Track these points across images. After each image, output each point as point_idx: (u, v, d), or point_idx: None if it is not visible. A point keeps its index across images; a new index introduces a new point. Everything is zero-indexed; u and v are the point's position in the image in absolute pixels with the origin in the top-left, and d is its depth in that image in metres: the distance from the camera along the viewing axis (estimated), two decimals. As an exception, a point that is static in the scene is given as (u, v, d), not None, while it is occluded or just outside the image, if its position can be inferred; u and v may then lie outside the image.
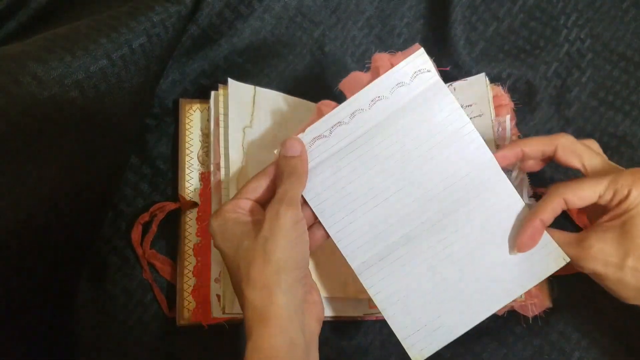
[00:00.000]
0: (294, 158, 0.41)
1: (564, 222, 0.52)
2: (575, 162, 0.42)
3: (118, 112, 0.45)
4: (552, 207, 0.40)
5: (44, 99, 0.38)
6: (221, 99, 0.51)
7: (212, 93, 0.51)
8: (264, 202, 0.41)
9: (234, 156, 0.49)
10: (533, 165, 0.45)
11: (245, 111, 0.51)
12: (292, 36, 0.57)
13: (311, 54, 0.58)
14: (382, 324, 0.52)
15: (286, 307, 0.35)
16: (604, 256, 0.39)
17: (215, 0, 0.54)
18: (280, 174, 0.41)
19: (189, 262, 0.50)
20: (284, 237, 0.36)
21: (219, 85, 0.51)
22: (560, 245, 0.41)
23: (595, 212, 0.42)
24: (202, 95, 0.55)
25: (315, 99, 0.58)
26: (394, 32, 0.58)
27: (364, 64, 0.59)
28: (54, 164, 0.42)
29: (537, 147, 0.42)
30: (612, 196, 0.39)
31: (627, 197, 0.38)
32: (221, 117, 0.50)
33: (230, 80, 0.51)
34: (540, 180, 0.52)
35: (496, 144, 0.51)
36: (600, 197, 0.40)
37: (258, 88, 0.52)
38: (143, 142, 0.54)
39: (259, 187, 0.41)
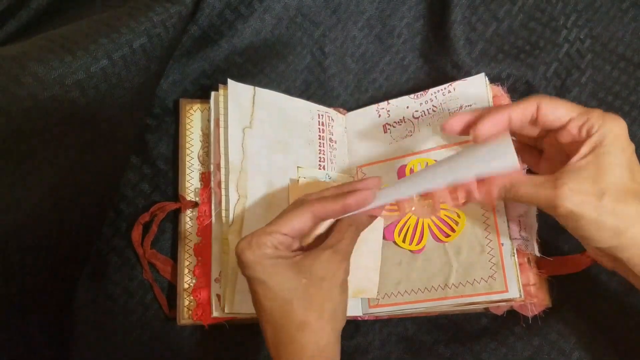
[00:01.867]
0: (369, 217, 0.42)
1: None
2: (561, 111, 0.39)
3: (118, 112, 0.45)
4: (524, 106, 0.39)
5: (45, 99, 0.38)
6: (221, 99, 0.51)
7: (212, 93, 0.51)
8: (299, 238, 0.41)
9: (234, 157, 0.49)
10: (529, 131, 0.42)
11: (245, 112, 0.51)
12: (292, 36, 0.57)
13: (311, 55, 0.58)
14: (382, 323, 0.52)
15: (336, 349, 0.38)
16: (580, 195, 0.37)
17: (215, 0, 0.54)
18: (343, 221, 0.40)
19: (189, 262, 0.50)
20: (338, 288, 0.38)
21: (219, 85, 0.51)
22: (533, 187, 0.39)
23: (561, 156, 0.41)
24: (202, 95, 0.55)
25: (315, 99, 0.58)
26: (394, 32, 0.58)
27: (364, 64, 0.59)
28: (54, 164, 0.42)
29: (521, 111, 0.40)
30: (583, 124, 0.38)
31: (597, 130, 0.38)
32: (221, 118, 0.50)
33: (229, 80, 0.51)
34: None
35: None
36: (571, 120, 0.39)
37: (258, 88, 0.52)
38: (143, 142, 0.54)
39: (301, 226, 0.39)
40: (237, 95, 0.51)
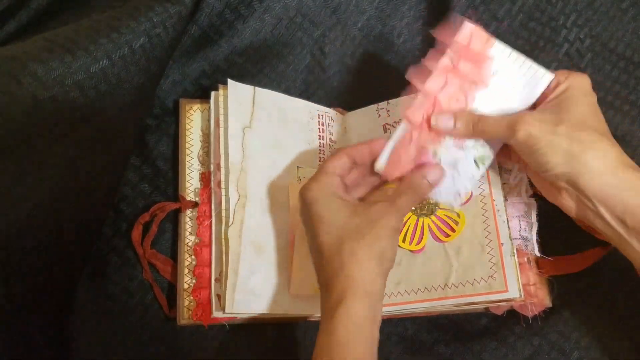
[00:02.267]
0: (431, 186, 0.45)
1: (564, 223, 0.52)
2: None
3: (118, 113, 0.45)
4: None
5: (45, 99, 0.38)
6: (221, 99, 0.51)
7: (213, 93, 0.51)
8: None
9: (234, 157, 0.49)
10: None
11: (245, 112, 0.51)
12: (292, 36, 0.57)
13: (311, 55, 0.58)
14: (382, 323, 0.52)
15: (381, 290, 0.41)
16: (539, 122, 0.41)
17: (215, 0, 0.54)
18: (410, 183, 0.44)
19: (189, 262, 0.50)
20: (389, 231, 0.41)
21: (219, 85, 0.51)
22: (498, 119, 0.43)
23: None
24: (202, 95, 0.55)
25: (315, 99, 0.58)
26: (394, 32, 0.58)
27: (364, 64, 0.59)
28: (53, 163, 0.42)
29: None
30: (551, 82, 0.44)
31: (563, 83, 0.43)
32: (221, 117, 0.50)
33: (229, 80, 0.51)
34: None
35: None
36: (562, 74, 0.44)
37: (258, 88, 0.52)
38: (143, 143, 0.54)
39: (341, 165, 0.44)
40: (237, 95, 0.51)
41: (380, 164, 0.45)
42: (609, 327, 0.49)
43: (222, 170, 0.49)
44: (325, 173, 0.44)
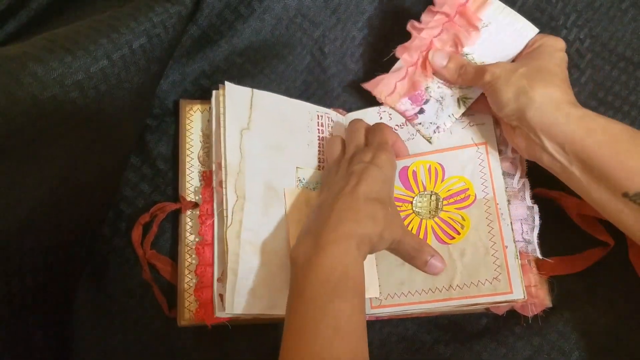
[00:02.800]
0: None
1: (565, 224, 0.52)
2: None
3: (118, 113, 0.45)
4: None
5: (45, 99, 0.38)
6: (221, 99, 0.51)
7: (214, 92, 0.51)
8: None
9: (231, 159, 0.49)
10: None
11: (243, 113, 0.51)
12: (292, 37, 0.57)
13: (311, 55, 0.58)
14: (382, 323, 0.52)
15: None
16: (504, 67, 0.48)
17: (215, 0, 0.54)
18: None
19: (189, 262, 0.50)
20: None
21: (219, 86, 0.51)
22: (476, 67, 0.50)
23: None
24: (202, 95, 0.55)
25: (315, 99, 0.58)
26: (394, 32, 0.58)
27: (364, 64, 0.59)
28: (54, 164, 0.42)
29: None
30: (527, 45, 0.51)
31: (536, 42, 0.50)
32: (221, 118, 0.50)
33: (227, 83, 0.51)
34: (540, 181, 0.52)
35: (499, 149, 0.51)
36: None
37: (256, 90, 0.52)
38: (143, 143, 0.54)
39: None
40: (234, 97, 0.51)
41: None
42: (609, 327, 0.49)
43: (223, 170, 0.49)
44: (389, 151, 0.49)
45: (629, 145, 0.43)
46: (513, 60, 0.51)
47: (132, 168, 0.54)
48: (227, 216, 0.48)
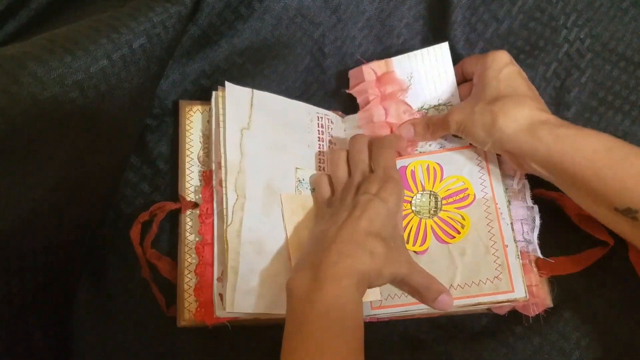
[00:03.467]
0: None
1: (564, 224, 0.52)
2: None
3: (118, 113, 0.45)
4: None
5: (45, 99, 0.38)
6: (221, 99, 0.51)
7: (214, 93, 0.51)
8: None
9: (232, 157, 0.49)
10: None
11: (243, 113, 0.51)
12: (292, 37, 0.57)
13: (311, 55, 0.58)
14: (382, 323, 0.52)
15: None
16: (462, 108, 0.49)
17: (215, 0, 0.54)
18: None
19: (189, 262, 0.50)
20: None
21: (219, 87, 0.51)
22: (433, 119, 0.52)
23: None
24: (202, 95, 0.55)
25: (315, 99, 0.58)
26: (394, 32, 0.58)
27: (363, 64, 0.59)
28: (54, 164, 0.42)
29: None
30: (472, 65, 0.52)
31: (480, 64, 0.50)
32: (221, 118, 0.50)
33: (227, 83, 0.51)
34: (540, 181, 0.52)
35: None
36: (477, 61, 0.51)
37: (256, 91, 0.52)
38: (143, 142, 0.54)
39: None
40: (234, 97, 0.51)
41: None
42: (610, 327, 0.49)
43: (223, 170, 0.49)
44: (397, 182, 0.48)
45: (608, 161, 0.43)
46: (463, 77, 0.54)
47: (132, 168, 0.54)
48: (227, 215, 0.48)
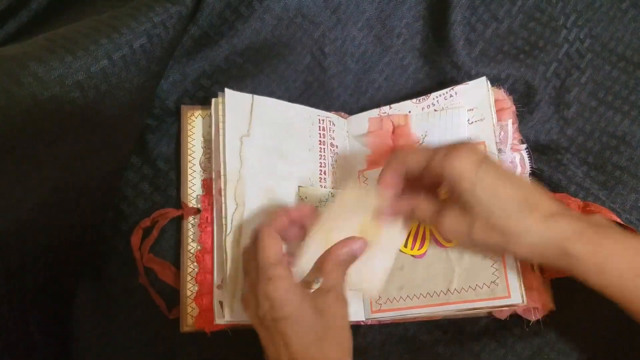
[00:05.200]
0: (354, 258, 0.45)
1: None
2: (417, 156, 0.43)
3: (118, 113, 0.45)
4: (393, 170, 0.44)
5: (45, 99, 0.38)
6: (220, 107, 0.51)
7: (213, 100, 0.51)
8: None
9: (231, 166, 0.49)
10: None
11: (243, 120, 0.51)
12: (292, 37, 0.57)
13: (311, 55, 0.58)
14: (382, 325, 0.52)
15: None
16: (455, 230, 0.42)
17: (215, 0, 0.54)
18: (328, 262, 0.43)
19: (191, 268, 0.50)
20: (348, 324, 0.42)
21: (219, 93, 0.51)
22: (426, 217, 0.44)
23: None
24: (202, 95, 0.55)
25: (315, 99, 0.58)
26: (394, 32, 0.58)
27: (364, 64, 0.59)
28: (54, 164, 0.42)
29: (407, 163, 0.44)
30: (431, 168, 0.42)
31: (444, 174, 0.41)
32: (221, 126, 0.50)
33: (227, 90, 0.51)
34: (543, 183, 0.52)
35: (498, 148, 0.51)
36: (426, 164, 0.42)
37: (256, 97, 0.52)
38: (143, 143, 0.54)
39: (279, 247, 0.42)
40: (234, 104, 0.51)
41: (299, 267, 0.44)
42: (609, 328, 0.49)
43: (222, 178, 0.49)
44: (278, 265, 0.41)
45: (637, 290, 0.39)
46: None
47: (132, 168, 0.54)
48: (226, 224, 0.48)
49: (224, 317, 0.47)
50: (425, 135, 0.53)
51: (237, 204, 0.48)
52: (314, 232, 0.44)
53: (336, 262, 0.43)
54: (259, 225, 0.43)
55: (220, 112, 0.50)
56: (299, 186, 0.51)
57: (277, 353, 0.40)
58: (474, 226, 0.41)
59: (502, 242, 0.41)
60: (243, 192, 0.49)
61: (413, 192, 0.46)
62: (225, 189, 0.48)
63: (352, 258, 0.45)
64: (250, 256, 0.43)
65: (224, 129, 0.50)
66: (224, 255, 0.47)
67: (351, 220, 0.45)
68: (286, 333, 0.39)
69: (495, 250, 0.44)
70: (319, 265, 0.43)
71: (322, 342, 0.39)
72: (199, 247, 0.50)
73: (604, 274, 0.39)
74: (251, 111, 0.51)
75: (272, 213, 0.44)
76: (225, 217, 0.48)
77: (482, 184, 0.40)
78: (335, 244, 0.44)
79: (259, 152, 0.51)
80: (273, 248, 0.41)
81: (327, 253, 0.44)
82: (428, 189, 0.45)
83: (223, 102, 0.51)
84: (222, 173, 0.49)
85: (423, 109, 0.54)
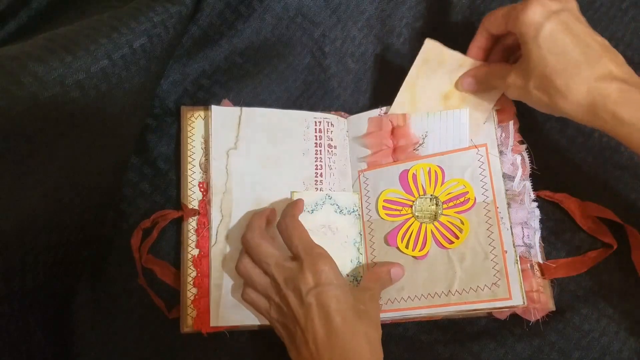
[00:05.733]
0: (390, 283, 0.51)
1: (567, 225, 0.52)
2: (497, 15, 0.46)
3: (119, 112, 0.45)
4: (480, 36, 0.49)
5: (45, 99, 0.38)
6: (210, 121, 0.52)
7: (209, 109, 0.52)
8: None
9: (216, 179, 0.51)
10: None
11: (229, 134, 0.52)
12: (292, 37, 0.57)
13: (311, 54, 0.58)
14: (382, 324, 0.52)
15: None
16: (515, 84, 0.45)
17: (215, 0, 0.54)
18: (377, 276, 0.49)
19: (190, 270, 0.51)
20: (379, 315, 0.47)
21: (211, 106, 0.52)
22: (493, 76, 0.48)
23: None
24: (203, 95, 0.55)
25: (315, 99, 0.58)
26: (394, 32, 0.58)
27: (364, 64, 0.59)
28: (54, 164, 0.42)
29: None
30: (507, 23, 0.45)
31: (516, 27, 0.43)
32: (210, 139, 0.52)
33: (213, 107, 0.52)
34: (542, 184, 0.52)
35: (499, 150, 0.51)
36: (506, 21, 0.45)
37: (245, 108, 0.53)
38: (143, 142, 0.54)
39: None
40: (220, 120, 0.52)
41: None
42: (609, 328, 0.49)
43: (209, 190, 0.51)
44: (317, 247, 0.44)
45: None
46: (490, 35, 0.49)
47: (132, 168, 0.54)
48: (211, 235, 0.49)
49: (216, 322, 0.49)
50: (426, 136, 0.53)
51: (222, 216, 0.50)
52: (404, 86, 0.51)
53: (376, 278, 0.48)
54: (279, 218, 0.46)
55: (210, 126, 0.52)
56: (292, 191, 0.51)
57: (313, 332, 0.41)
58: (530, 79, 0.43)
59: (552, 97, 0.42)
60: (230, 203, 0.50)
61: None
62: (211, 201, 0.50)
63: (390, 282, 0.49)
64: (263, 253, 0.44)
65: (209, 145, 0.51)
66: (209, 264, 0.49)
67: (433, 82, 0.52)
68: (330, 304, 0.41)
69: (549, 107, 0.43)
70: (364, 274, 0.49)
71: (363, 322, 0.42)
72: (196, 252, 0.51)
73: None
74: (239, 124, 0.52)
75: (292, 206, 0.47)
76: (211, 229, 0.50)
77: (545, 34, 0.41)
78: (380, 265, 0.50)
79: (248, 163, 0.52)
80: (305, 232, 0.45)
81: (371, 270, 0.49)
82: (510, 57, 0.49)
83: (211, 117, 0.52)
84: (210, 185, 0.50)
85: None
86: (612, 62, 0.41)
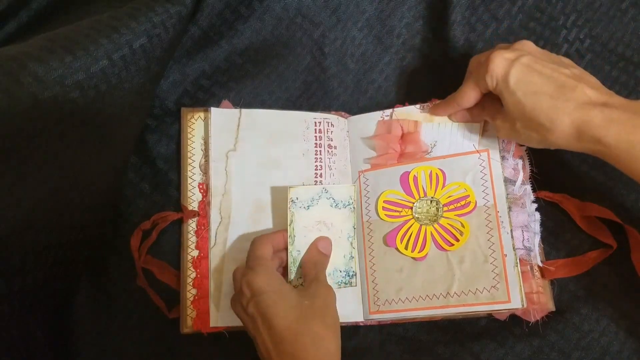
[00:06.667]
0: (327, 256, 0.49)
1: (566, 226, 0.52)
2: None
3: (118, 113, 0.45)
4: (466, 92, 0.49)
5: (45, 99, 0.38)
6: (210, 121, 0.52)
7: (210, 110, 0.52)
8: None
9: (216, 181, 0.51)
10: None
11: (229, 136, 0.52)
12: (292, 37, 0.57)
13: (311, 55, 0.58)
14: (382, 325, 0.52)
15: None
16: (504, 127, 0.47)
17: (215, 1, 0.54)
18: (307, 264, 0.47)
19: (190, 271, 0.51)
20: (334, 303, 0.44)
21: (211, 109, 0.52)
22: (486, 116, 0.50)
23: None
24: (202, 96, 0.55)
25: (315, 99, 0.58)
26: (394, 32, 0.59)
27: (364, 64, 0.59)
28: (54, 163, 0.42)
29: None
30: (482, 76, 0.46)
31: (489, 77, 0.45)
32: (210, 141, 0.52)
33: (212, 109, 0.52)
34: (544, 183, 0.52)
35: (501, 155, 0.51)
36: (478, 88, 0.48)
37: (244, 110, 0.53)
38: (143, 143, 0.54)
39: (268, 251, 0.46)
40: (220, 121, 0.52)
41: None
42: (609, 328, 0.49)
43: (209, 192, 0.51)
44: (262, 259, 0.45)
45: None
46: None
47: (132, 168, 0.54)
48: (210, 237, 0.50)
49: (215, 323, 0.49)
50: (435, 145, 0.53)
51: (221, 217, 0.50)
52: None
53: (311, 263, 0.47)
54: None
55: (210, 129, 0.52)
56: (289, 187, 0.51)
57: (262, 341, 0.41)
58: (515, 122, 0.45)
59: (540, 133, 0.44)
60: (229, 205, 0.51)
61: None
62: (210, 203, 0.50)
63: (326, 256, 0.48)
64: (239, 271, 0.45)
65: (208, 147, 0.51)
66: (209, 265, 0.49)
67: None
68: (267, 312, 0.41)
69: (542, 142, 0.45)
70: (301, 269, 0.47)
71: (306, 319, 0.41)
72: (196, 254, 0.51)
73: (637, 162, 0.40)
74: (238, 125, 0.53)
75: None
76: (210, 230, 0.50)
77: (513, 80, 0.44)
78: (306, 252, 0.48)
79: (248, 164, 0.52)
80: (262, 249, 0.45)
81: (301, 262, 0.48)
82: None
83: (210, 119, 0.52)
84: (209, 187, 0.51)
85: (427, 116, 0.54)
86: (589, 88, 0.43)
